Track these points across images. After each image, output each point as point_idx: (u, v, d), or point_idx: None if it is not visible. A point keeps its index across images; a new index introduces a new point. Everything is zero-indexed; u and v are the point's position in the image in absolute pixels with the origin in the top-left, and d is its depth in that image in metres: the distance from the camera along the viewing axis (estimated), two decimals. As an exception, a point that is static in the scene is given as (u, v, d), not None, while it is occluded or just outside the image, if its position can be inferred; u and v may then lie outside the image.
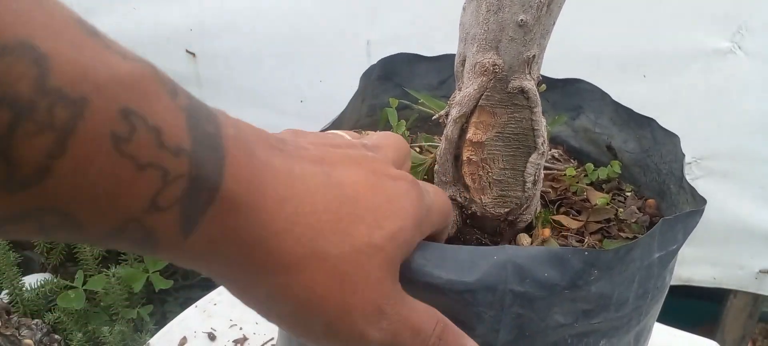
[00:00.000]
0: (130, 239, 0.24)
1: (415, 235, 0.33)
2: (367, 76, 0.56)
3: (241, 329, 0.77)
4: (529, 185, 0.43)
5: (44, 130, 0.20)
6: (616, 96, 0.56)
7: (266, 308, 0.30)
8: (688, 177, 0.46)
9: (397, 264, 0.32)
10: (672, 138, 0.49)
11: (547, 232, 0.44)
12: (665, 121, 0.51)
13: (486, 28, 0.39)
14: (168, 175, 0.23)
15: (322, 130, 0.48)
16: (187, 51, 1.17)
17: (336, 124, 0.50)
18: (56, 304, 1.11)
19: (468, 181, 0.43)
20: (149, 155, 0.22)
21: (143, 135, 0.22)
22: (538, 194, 0.45)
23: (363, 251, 0.29)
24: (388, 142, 0.37)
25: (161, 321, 1.15)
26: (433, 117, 0.46)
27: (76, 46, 0.21)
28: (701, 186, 1.09)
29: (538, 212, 0.46)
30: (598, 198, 0.50)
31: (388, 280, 0.31)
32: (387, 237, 0.30)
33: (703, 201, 0.42)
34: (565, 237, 0.46)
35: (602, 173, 0.52)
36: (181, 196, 0.24)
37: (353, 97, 0.53)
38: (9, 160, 0.20)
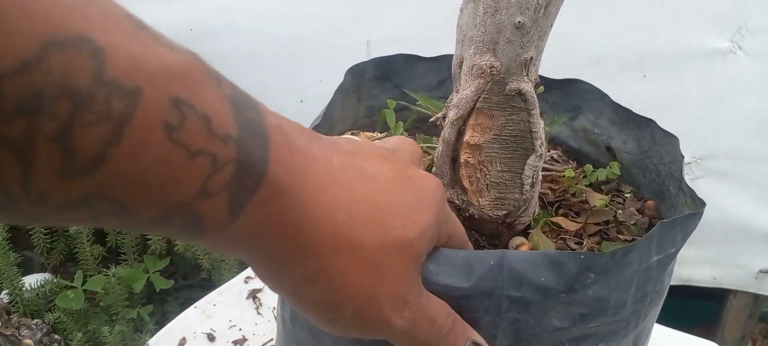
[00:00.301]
0: (178, 224, 0.25)
1: (436, 233, 0.34)
2: (359, 75, 0.56)
3: (240, 329, 0.77)
4: (527, 187, 0.43)
5: (101, 120, 0.21)
6: (615, 96, 0.56)
7: (299, 294, 0.31)
8: (687, 177, 0.46)
9: (423, 258, 0.33)
10: (671, 139, 0.49)
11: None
12: (665, 122, 0.51)
13: (483, 30, 0.39)
14: (217, 161, 0.24)
15: (312, 126, 0.47)
16: (186, 51, 1.17)
17: (326, 118, 0.49)
18: (56, 304, 1.11)
19: (466, 183, 0.43)
20: (200, 142, 0.23)
21: (194, 123, 0.23)
22: (536, 195, 0.45)
23: (397, 243, 0.31)
24: (405, 146, 0.39)
25: (161, 321, 1.15)
26: (431, 119, 0.46)
27: (128, 38, 0.22)
28: (701, 186, 1.09)
29: (536, 213, 0.46)
30: (597, 199, 0.49)
31: (414, 272, 0.32)
32: (418, 232, 0.32)
33: (703, 203, 0.41)
34: (564, 239, 0.46)
35: (601, 175, 0.52)
36: (229, 181, 0.25)
37: (338, 90, 0.52)
38: (67, 149, 0.20)
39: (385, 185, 0.32)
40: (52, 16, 0.20)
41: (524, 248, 0.44)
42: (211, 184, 0.24)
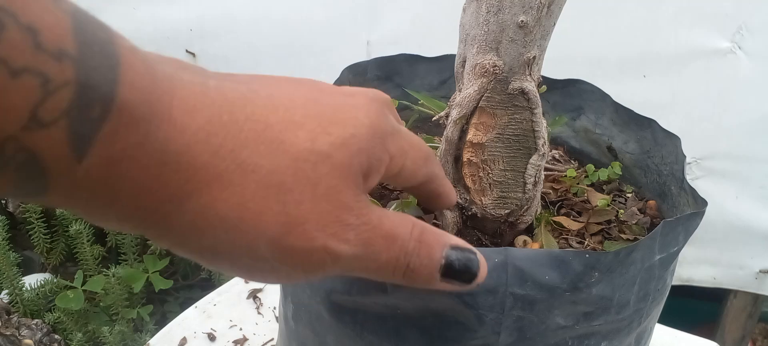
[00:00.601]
0: (12, 167, 0.20)
1: (375, 146, 0.28)
2: (360, 74, 0.56)
3: (240, 329, 0.77)
4: (529, 186, 0.43)
5: None
6: (616, 96, 0.56)
7: (196, 244, 0.26)
8: (688, 177, 0.46)
9: (357, 174, 0.28)
10: (673, 139, 0.49)
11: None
12: (665, 122, 0.51)
13: (486, 29, 0.39)
14: (49, 82, 0.20)
15: None
16: (187, 51, 1.17)
17: None
18: (56, 304, 1.11)
19: (468, 182, 0.43)
20: (24, 59, 0.19)
21: (14, 34, 0.19)
22: (538, 195, 0.45)
23: (304, 158, 0.26)
24: (365, 89, 0.32)
25: (161, 321, 1.15)
26: (433, 118, 0.46)
27: None
28: (701, 186, 1.09)
29: (538, 213, 0.46)
30: (599, 199, 0.49)
31: (347, 190, 0.27)
32: (336, 143, 0.27)
33: (704, 203, 0.41)
34: (566, 239, 0.46)
35: (603, 174, 0.52)
36: (67, 108, 0.20)
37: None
38: None
39: (284, 102, 0.27)
40: None
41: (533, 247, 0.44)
42: (42, 111, 0.20)
